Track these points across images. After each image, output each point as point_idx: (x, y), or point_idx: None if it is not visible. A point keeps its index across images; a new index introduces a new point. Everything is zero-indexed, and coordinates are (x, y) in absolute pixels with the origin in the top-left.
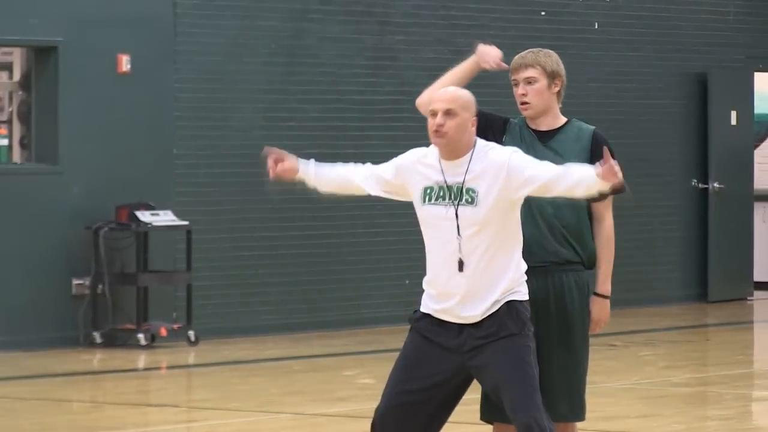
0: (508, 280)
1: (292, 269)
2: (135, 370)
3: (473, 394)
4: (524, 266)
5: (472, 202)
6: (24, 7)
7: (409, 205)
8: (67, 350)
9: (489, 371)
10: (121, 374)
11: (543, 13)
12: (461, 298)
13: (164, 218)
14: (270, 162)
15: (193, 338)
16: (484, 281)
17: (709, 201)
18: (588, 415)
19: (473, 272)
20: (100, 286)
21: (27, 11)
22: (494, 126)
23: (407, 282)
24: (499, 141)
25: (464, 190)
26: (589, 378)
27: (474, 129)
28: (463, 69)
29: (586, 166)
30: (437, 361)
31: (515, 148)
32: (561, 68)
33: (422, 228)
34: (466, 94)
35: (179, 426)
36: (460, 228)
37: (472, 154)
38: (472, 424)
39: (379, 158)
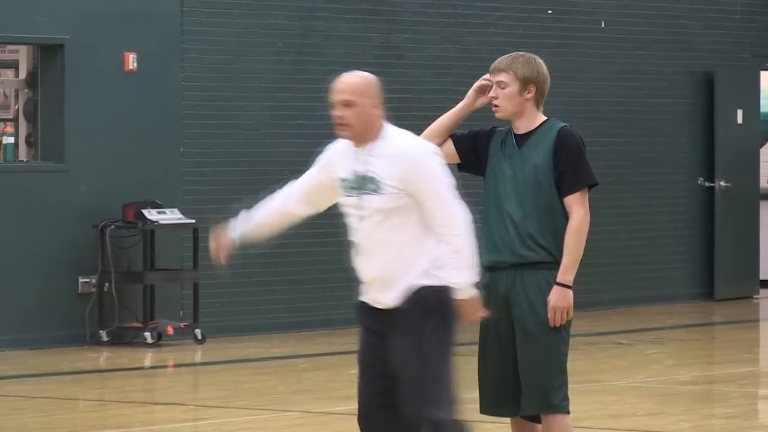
0: (420, 267)
1: (298, 267)
2: (141, 368)
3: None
4: (430, 244)
5: (376, 190)
6: (30, 4)
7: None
8: (73, 348)
9: (391, 357)
10: (128, 372)
11: (550, 11)
12: (376, 285)
13: (171, 216)
14: (212, 249)
15: (199, 336)
16: (395, 269)
17: (715, 199)
18: (595, 413)
19: (383, 260)
20: (107, 285)
21: (33, 9)
22: (479, 141)
23: None
24: (486, 152)
25: (369, 178)
26: (595, 376)
27: (380, 111)
28: (457, 109)
29: (463, 267)
30: (372, 347)
31: (437, 149)
32: (538, 75)
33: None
34: (364, 79)
35: (186, 424)
36: (367, 216)
37: (378, 141)
38: (495, 422)
39: None
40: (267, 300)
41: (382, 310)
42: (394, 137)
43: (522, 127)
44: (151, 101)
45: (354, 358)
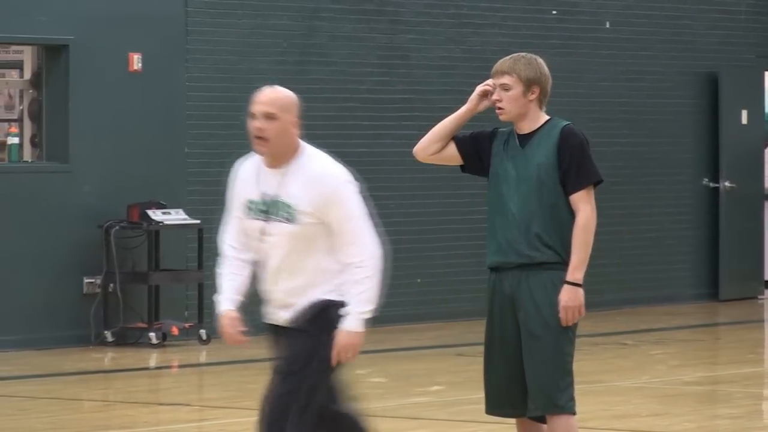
0: (323, 291)
1: None
2: (146, 368)
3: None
4: (337, 266)
5: (289, 218)
6: (34, 5)
7: (420, 205)
8: (78, 349)
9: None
10: (133, 373)
11: (554, 12)
12: (278, 305)
13: (176, 217)
14: (228, 338)
15: (204, 337)
16: (298, 292)
17: (720, 200)
18: (599, 413)
19: (288, 284)
20: (112, 285)
21: (37, 9)
22: (482, 143)
23: (419, 281)
24: (489, 153)
25: (282, 204)
26: (600, 377)
27: (298, 133)
28: (459, 113)
29: (362, 301)
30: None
31: (352, 178)
32: (541, 75)
33: (244, 237)
34: (287, 95)
35: (191, 425)
36: (274, 243)
37: (293, 163)
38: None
39: (391, 156)
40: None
41: (283, 326)
42: (313, 160)
43: (525, 127)
44: (156, 102)
45: (359, 359)
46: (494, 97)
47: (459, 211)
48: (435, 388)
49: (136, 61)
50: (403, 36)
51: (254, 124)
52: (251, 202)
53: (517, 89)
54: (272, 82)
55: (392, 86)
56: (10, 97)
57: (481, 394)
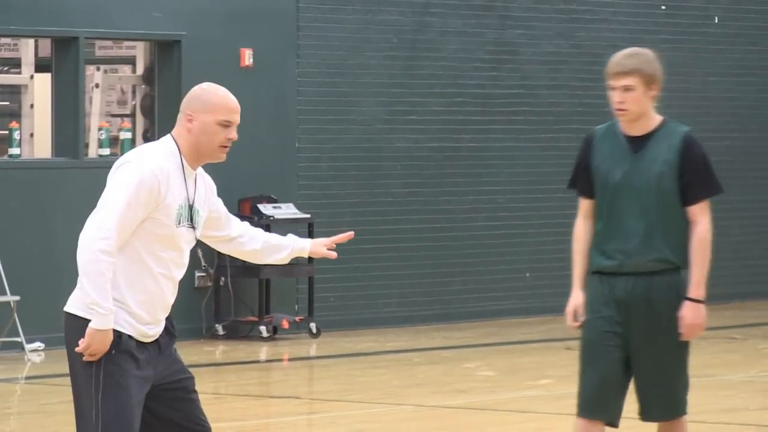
0: None
1: (413, 262)
2: (257, 362)
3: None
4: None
5: (198, 223)
6: (147, 1)
7: (529, 199)
8: (189, 342)
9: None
10: (243, 366)
11: (663, 7)
12: (160, 317)
13: (286, 211)
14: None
15: (314, 330)
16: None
17: None
18: (707, 407)
19: (173, 293)
20: (223, 279)
21: (150, 5)
22: (586, 160)
23: (528, 275)
24: (591, 168)
25: (195, 210)
26: (708, 371)
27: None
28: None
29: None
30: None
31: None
32: (659, 71)
33: (156, 246)
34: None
35: (300, 417)
36: (186, 250)
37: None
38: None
39: (499, 151)
40: (381, 294)
41: (148, 342)
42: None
43: (639, 128)
44: (267, 97)
45: (467, 353)
46: (616, 99)
47: (570, 206)
48: (544, 381)
49: (247, 57)
50: (512, 31)
51: (233, 135)
52: (180, 207)
53: (640, 89)
54: (382, 77)
55: (501, 81)
56: (123, 92)
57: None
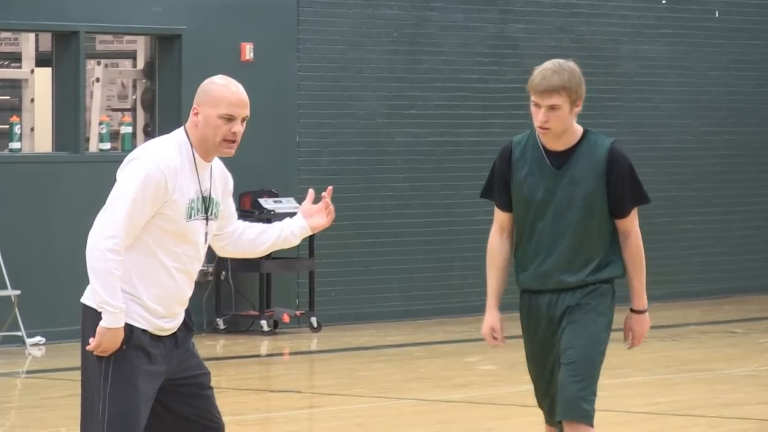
0: None
1: (413, 256)
2: (258, 356)
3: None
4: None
5: (217, 215)
6: None
7: None
8: None
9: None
10: (244, 360)
11: (664, 1)
12: (177, 311)
13: (287, 205)
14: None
15: (315, 324)
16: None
17: None
18: (708, 401)
19: (190, 288)
20: (224, 273)
21: (151, 0)
22: (505, 175)
23: None
24: (510, 181)
25: (213, 201)
26: (709, 365)
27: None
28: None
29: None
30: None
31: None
32: (583, 86)
33: (168, 241)
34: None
35: (301, 411)
36: (203, 244)
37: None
38: None
39: (500, 146)
40: (382, 288)
41: (164, 336)
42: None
43: (561, 143)
44: (267, 91)
45: (468, 347)
46: (541, 117)
47: None
48: None
49: (248, 51)
50: (513, 26)
51: (237, 129)
52: (192, 201)
53: (566, 108)
54: (383, 71)
55: (502, 75)
56: (124, 86)
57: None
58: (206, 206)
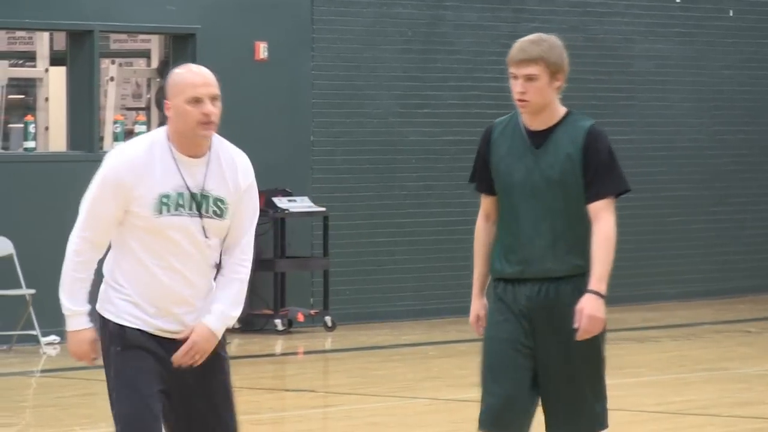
0: (208, 296)
1: (428, 255)
2: (272, 355)
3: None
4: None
5: (219, 212)
6: None
7: None
8: None
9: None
10: (258, 359)
11: (678, 0)
12: (178, 313)
13: (301, 204)
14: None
15: (329, 324)
16: (202, 298)
17: None
18: (722, 400)
19: (196, 290)
20: None
21: None
22: (485, 155)
23: None
24: (490, 163)
25: (208, 198)
26: (723, 364)
27: None
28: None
29: (236, 303)
30: (159, 374)
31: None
32: (565, 60)
33: (145, 238)
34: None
35: (316, 411)
36: (201, 241)
37: (211, 151)
38: None
39: None
40: (396, 288)
41: (168, 339)
42: (225, 147)
43: (541, 122)
44: (281, 90)
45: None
46: (517, 89)
47: None
48: None
49: (262, 50)
50: (526, 24)
51: (208, 109)
52: (165, 196)
53: (544, 79)
54: (397, 70)
55: None
56: (138, 85)
57: None
58: (197, 202)
